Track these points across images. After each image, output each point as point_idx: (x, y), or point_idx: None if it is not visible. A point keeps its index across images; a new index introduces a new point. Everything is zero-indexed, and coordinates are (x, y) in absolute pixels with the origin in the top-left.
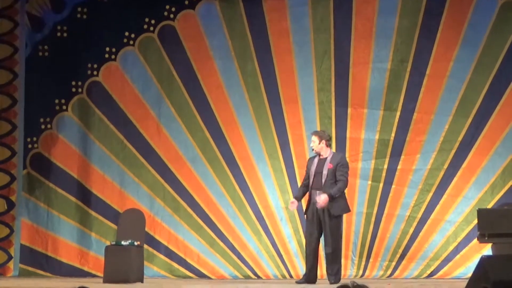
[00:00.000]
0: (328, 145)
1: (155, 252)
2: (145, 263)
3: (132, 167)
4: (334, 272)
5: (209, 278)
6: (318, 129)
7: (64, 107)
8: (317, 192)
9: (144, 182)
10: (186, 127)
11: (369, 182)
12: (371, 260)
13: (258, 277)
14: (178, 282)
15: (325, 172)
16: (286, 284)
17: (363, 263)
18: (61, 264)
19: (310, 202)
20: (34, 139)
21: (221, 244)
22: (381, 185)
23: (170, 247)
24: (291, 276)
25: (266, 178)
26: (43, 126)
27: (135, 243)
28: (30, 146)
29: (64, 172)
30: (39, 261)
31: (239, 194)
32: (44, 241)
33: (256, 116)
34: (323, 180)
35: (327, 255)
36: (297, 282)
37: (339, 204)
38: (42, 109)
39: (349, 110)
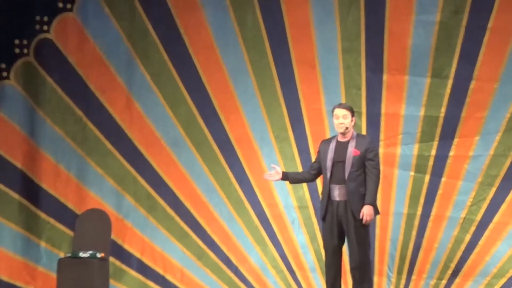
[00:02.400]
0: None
1: (124, 267)
2: (111, 281)
3: (94, 153)
4: None
5: None
6: (343, 102)
7: (5, 74)
8: (337, 187)
9: (109, 174)
10: (165, 99)
11: (412, 174)
12: (413, 277)
13: None
14: None
15: (349, 160)
16: None
17: (403, 281)
18: None
19: (329, 201)
20: None
21: (212, 256)
22: (427, 177)
23: (145, 260)
24: None
25: None
26: None
27: (98, 255)
28: None
29: (4, 160)
30: None
31: (236, 189)
32: None
33: (258, 84)
34: (347, 172)
35: (353, 271)
36: None
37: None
38: None
39: (384, 77)
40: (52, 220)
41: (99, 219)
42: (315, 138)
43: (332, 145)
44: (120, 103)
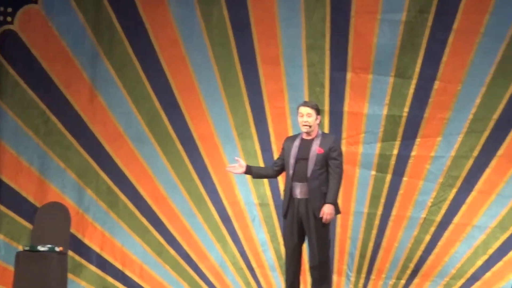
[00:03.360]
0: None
1: (83, 261)
2: (70, 275)
3: (56, 147)
4: None
5: None
6: (307, 100)
7: None
8: (299, 185)
9: (71, 168)
10: (129, 94)
11: (373, 173)
12: (372, 277)
13: None
14: None
15: (312, 158)
16: None
17: (361, 280)
18: None
19: (290, 199)
20: None
21: (172, 252)
22: (388, 176)
23: (104, 255)
24: None
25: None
26: None
27: (57, 249)
28: None
29: None
30: None
31: (198, 186)
32: None
33: (223, 81)
34: (309, 170)
35: (312, 270)
36: None
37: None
38: None
39: (348, 75)
40: (11, 213)
41: (59, 212)
42: (278, 136)
43: (297, 143)
44: (84, 97)
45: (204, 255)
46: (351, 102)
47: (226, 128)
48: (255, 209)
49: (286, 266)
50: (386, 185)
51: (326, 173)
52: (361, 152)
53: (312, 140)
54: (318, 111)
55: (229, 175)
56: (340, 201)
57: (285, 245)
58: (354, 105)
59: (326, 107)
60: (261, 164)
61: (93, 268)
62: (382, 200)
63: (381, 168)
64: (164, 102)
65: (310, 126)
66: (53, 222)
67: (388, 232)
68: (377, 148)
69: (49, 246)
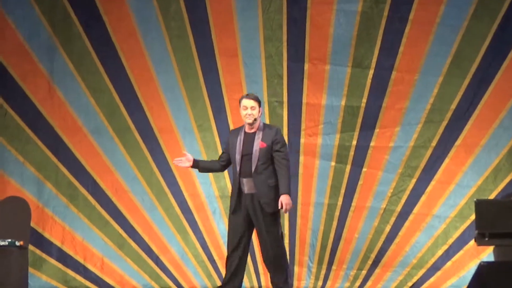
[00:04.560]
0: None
1: (44, 255)
2: (31, 270)
3: (14, 140)
4: (282, 283)
5: None
6: (265, 91)
7: None
8: (245, 180)
9: (30, 161)
10: (87, 87)
11: (332, 164)
12: (334, 267)
13: None
14: None
15: (255, 153)
16: None
17: (323, 271)
18: None
19: (239, 194)
20: None
21: (133, 245)
22: (348, 167)
23: (65, 249)
24: None
25: (195, 156)
26: None
27: (17, 243)
28: None
29: None
30: None
31: (158, 178)
32: None
33: (181, 73)
34: (253, 166)
35: (267, 263)
36: None
37: (275, 196)
38: None
39: (306, 66)
40: None
41: (19, 206)
42: (237, 126)
43: (240, 137)
44: (42, 90)
45: (165, 247)
46: (309, 93)
47: (185, 120)
48: (215, 201)
49: (229, 259)
50: (346, 176)
51: (271, 166)
52: (320, 143)
53: (255, 133)
54: (260, 103)
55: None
56: (300, 192)
57: (229, 241)
58: (312, 96)
59: (285, 98)
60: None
61: (54, 262)
62: (342, 191)
63: (341, 159)
64: (122, 95)
65: (255, 119)
66: (13, 216)
67: (348, 222)
68: (336, 139)
69: (9, 240)
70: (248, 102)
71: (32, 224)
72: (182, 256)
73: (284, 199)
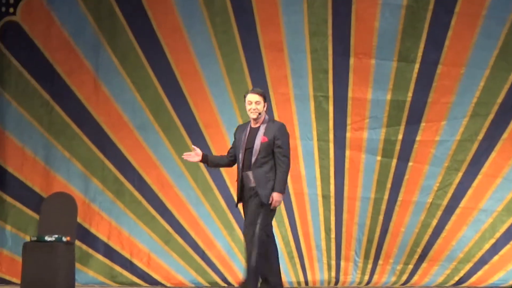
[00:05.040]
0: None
1: (90, 251)
2: (77, 265)
3: (61, 137)
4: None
5: (163, 286)
6: (311, 86)
7: None
8: (247, 174)
9: (76, 157)
10: (133, 82)
11: (378, 158)
12: (380, 262)
13: (229, 284)
14: None
15: (256, 147)
16: None
17: (369, 266)
18: None
19: (243, 188)
20: None
21: (180, 240)
22: (394, 161)
23: (111, 244)
24: None
25: None
26: None
27: (64, 239)
28: None
29: None
30: None
31: (204, 173)
32: None
33: (226, 68)
34: (253, 159)
35: (244, 239)
36: None
37: (272, 189)
38: None
39: (351, 60)
40: (18, 204)
41: (66, 202)
42: (283, 121)
43: (246, 132)
44: (88, 86)
45: (212, 242)
46: (355, 87)
47: (230, 115)
48: None
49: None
50: (392, 170)
51: (272, 161)
52: (366, 138)
53: (259, 128)
54: (265, 98)
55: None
56: (346, 187)
57: (243, 231)
58: (358, 90)
59: (330, 93)
60: None
61: (100, 257)
62: (388, 185)
63: (387, 153)
64: (168, 90)
65: (259, 113)
66: (60, 212)
67: (395, 217)
68: (382, 133)
69: (56, 236)
70: (252, 97)
71: (79, 220)
72: (228, 251)
73: (275, 196)
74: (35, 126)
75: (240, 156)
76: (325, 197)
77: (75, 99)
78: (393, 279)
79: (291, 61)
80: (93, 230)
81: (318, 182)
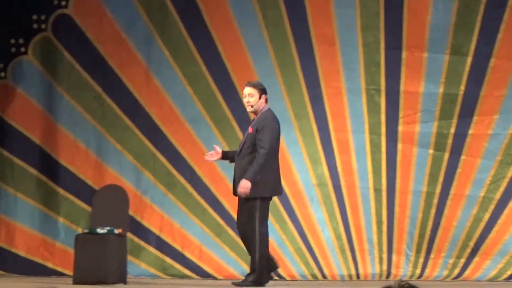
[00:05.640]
0: (266, 102)
1: (142, 243)
2: (129, 257)
3: (112, 129)
4: (252, 264)
5: (214, 278)
6: (363, 79)
7: (23, 49)
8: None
9: (128, 150)
10: (184, 75)
11: (431, 152)
12: (432, 256)
13: (281, 277)
14: (173, 284)
15: (244, 138)
16: (317, 286)
17: (421, 259)
18: (16, 259)
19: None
20: None
21: (231, 232)
22: (446, 155)
23: (163, 236)
24: (324, 277)
25: (292, 144)
26: None
27: (116, 231)
28: None
29: (22, 135)
30: None
31: None
32: None
33: (278, 61)
34: (239, 150)
35: (243, 240)
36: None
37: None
38: None
39: (403, 54)
40: (70, 196)
41: (117, 195)
42: (335, 116)
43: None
44: (139, 78)
45: None
46: (407, 81)
47: (282, 108)
48: (313, 189)
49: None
50: (444, 164)
51: (255, 153)
52: (418, 131)
53: (254, 120)
54: (263, 91)
55: (286, 155)
56: (398, 180)
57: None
58: (410, 84)
59: (382, 86)
60: (319, 144)
61: (152, 249)
62: (441, 179)
63: (439, 146)
64: (219, 83)
65: (252, 106)
66: (112, 205)
67: (447, 210)
68: (434, 126)
69: (108, 228)
70: (245, 90)
71: (131, 212)
72: (279, 244)
73: (241, 183)
74: (87, 119)
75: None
76: (377, 191)
77: (127, 91)
78: (445, 273)
79: (342, 55)
80: (144, 223)
81: (370, 176)
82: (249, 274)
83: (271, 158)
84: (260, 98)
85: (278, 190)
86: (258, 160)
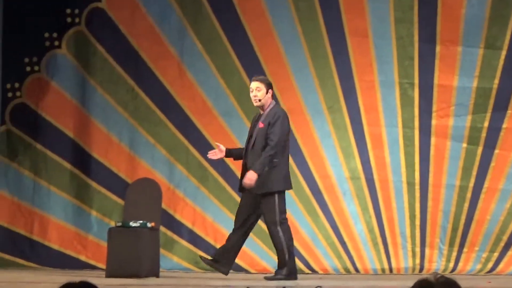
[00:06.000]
0: (273, 97)
1: (175, 236)
2: (162, 251)
3: (145, 122)
4: (279, 264)
5: (247, 272)
6: (396, 73)
7: (57, 43)
8: (246, 162)
9: (161, 143)
10: (217, 68)
11: (464, 145)
12: (465, 250)
13: (313, 271)
14: (205, 278)
15: (255, 133)
16: (350, 280)
17: (454, 253)
18: (50, 252)
19: (244, 174)
20: (16, 85)
21: (264, 227)
22: (480, 149)
23: (196, 230)
24: (357, 270)
25: (325, 138)
26: (28, 68)
27: (148, 225)
28: (10, 94)
29: (56, 129)
30: (20, 248)
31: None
32: (28, 221)
33: (311, 53)
34: (251, 145)
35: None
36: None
37: (264, 177)
38: (27, 45)
39: (437, 48)
40: (103, 189)
41: (150, 188)
42: (368, 109)
43: (255, 120)
44: (172, 72)
45: (296, 229)
46: (441, 74)
47: (315, 102)
48: (346, 182)
49: (231, 236)
50: (478, 158)
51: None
52: (452, 125)
53: (262, 115)
54: (269, 85)
55: (319, 149)
56: (431, 174)
57: (236, 218)
58: (444, 77)
59: (416, 80)
60: (351, 137)
61: (185, 243)
62: (474, 173)
63: (472, 140)
64: (252, 76)
65: (260, 100)
66: (145, 198)
67: (480, 204)
68: (467, 120)
69: (141, 222)
70: (253, 84)
71: (163, 206)
72: (312, 237)
73: (248, 174)
74: (120, 112)
75: (246, 143)
76: (410, 184)
77: (160, 84)
78: (479, 266)
79: (376, 48)
80: (177, 216)
81: (403, 169)
82: (280, 268)
83: (281, 152)
84: (267, 92)
85: (289, 184)
86: (267, 152)
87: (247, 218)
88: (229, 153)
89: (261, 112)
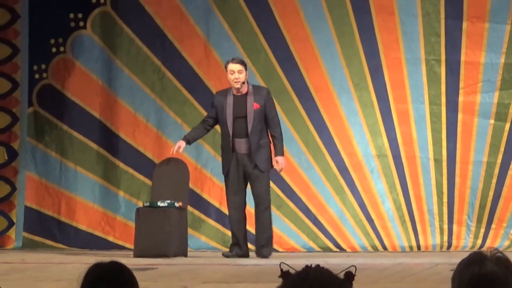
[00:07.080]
0: None
1: (202, 216)
2: (190, 231)
3: (172, 103)
4: (264, 240)
5: (275, 251)
6: (422, 50)
7: (82, 24)
8: (240, 141)
9: (188, 123)
10: (243, 47)
11: (492, 122)
12: (493, 226)
13: (341, 249)
14: (233, 257)
15: (250, 115)
16: (378, 257)
17: (482, 230)
18: (78, 233)
19: (232, 155)
20: (43, 66)
21: (291, 205)
22: (507, 125)
23: (223, 209)
24: (384, 248)
25: (351, 115)
26: (54, 49)
27: (176, 205)
28: (37, 76)
29: (82, 110)
30: (49, 229)
31: (315, 138)
32: (56, 202)
33: (337, 31)
34: (249, 127)
35: (261, 214)
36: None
37: (267, 155)
38: (53, 27)
39: (464, 24)
40: (130, 170)
41: (178, 168)
42: (394, 86)
43: (230, 100)
44: (198, 52)
45: (323, 207)
46: (468, 51)
47: (341, 79)
48: (373, 160)
49: (235, 221)
50: (505, 134)
51: (264, 127)
52: (479, 102)
53: (246, 95)
54: (246, 66)
55: (346, 126)
56: (458, 151)
57: (231, 201)
58: (470, 54)
59: (443, 57)
60: (378, 114)
61: (212, 222)
62: (502, 149)
63: (500, 116)
64: (278, 55)
65: (243, 82)
66: (172, 178)
67: (508, 181)
68: (495, 97)
69: (169, 201)
70: (234, 67)
71: (191, 185)
72: (340, 216)
73: (280, 159)
74: (146, 92)
75: (229, 124)
76: (437, 161)
77: (186, 65)
78: (507, 243)
79: (402, 25)
80: (205, 196)
81: (430, 146)
82: (262, 246)
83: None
84: (246, 74)
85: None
86: (280, 137)
87: (243, 198)
88: (187, 141)
89: (237, 93)
